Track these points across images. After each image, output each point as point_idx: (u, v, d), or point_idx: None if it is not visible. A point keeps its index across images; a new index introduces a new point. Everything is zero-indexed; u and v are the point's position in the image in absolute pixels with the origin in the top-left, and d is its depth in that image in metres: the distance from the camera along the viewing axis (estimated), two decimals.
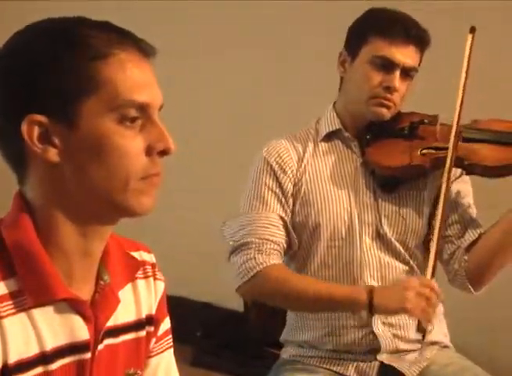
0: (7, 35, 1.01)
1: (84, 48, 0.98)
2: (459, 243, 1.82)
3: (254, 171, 1.86)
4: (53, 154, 0.97)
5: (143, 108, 0.99)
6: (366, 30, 1.81)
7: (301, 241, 1.84)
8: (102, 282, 1.06)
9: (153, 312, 1.15)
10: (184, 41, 3.45)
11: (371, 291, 1.67)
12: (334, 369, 1.82)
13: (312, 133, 1.90)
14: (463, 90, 1.77)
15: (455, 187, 1.84)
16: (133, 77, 0.99)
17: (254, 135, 2.47)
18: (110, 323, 1.06)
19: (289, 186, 1.83)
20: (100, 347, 1.04)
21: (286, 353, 1.93)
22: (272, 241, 1.78)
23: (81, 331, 1.01)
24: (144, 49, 1.02)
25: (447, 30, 2.32)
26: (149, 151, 1.00)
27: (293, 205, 1.83)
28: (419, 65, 1.84)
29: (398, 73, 1.77)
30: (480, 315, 3.00)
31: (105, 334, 1.05)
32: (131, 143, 0.98)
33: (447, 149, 1.73)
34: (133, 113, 0.98)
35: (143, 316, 1.13)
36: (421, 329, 1.70)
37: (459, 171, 1.83)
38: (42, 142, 0.97)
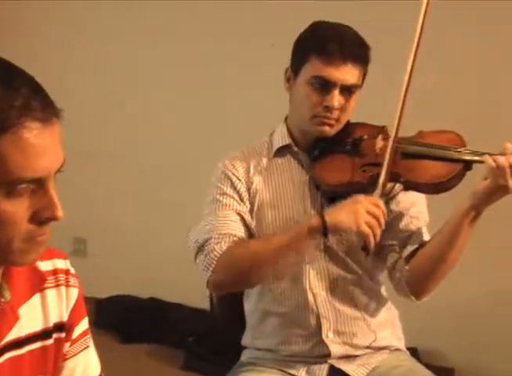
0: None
1: None
2: (401, 252, 1.82)
3: (212, 182, 1.91)
4: None
5: (36, 181, 0.97)
6: (305, 49, 1.81)
7: None
8: (2, 300, 1.07)
9: (65, 319, 1.18)
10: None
11: (321, 214, 1.69)
12: (287, 371, 1.88)
13: (266, 147, 1.94)
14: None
15: (401, 198, 1.85)
16: (29, 154, 0.94)
17: (214, 149, 2.42)
18: (13, 335, 1.08)
19: (244, 191, 1.86)
20: None
21: (244, 356, 1.99)
22: (231, 235, 1.79)
23: None
24: (50, 114, 0.96)
25: None
26: (34, 218, 0.98)
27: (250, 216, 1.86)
28: (363, 79, 1.84)
29: (336, 92, 1.78)
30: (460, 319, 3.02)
31: (6, 347, 1.07)
32: (16, 211, 0.96)
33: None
34: (23, 186, 0.96)
35: (50, 324, 1.16)
36: (366, 248, 1.69)
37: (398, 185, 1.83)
38: None
